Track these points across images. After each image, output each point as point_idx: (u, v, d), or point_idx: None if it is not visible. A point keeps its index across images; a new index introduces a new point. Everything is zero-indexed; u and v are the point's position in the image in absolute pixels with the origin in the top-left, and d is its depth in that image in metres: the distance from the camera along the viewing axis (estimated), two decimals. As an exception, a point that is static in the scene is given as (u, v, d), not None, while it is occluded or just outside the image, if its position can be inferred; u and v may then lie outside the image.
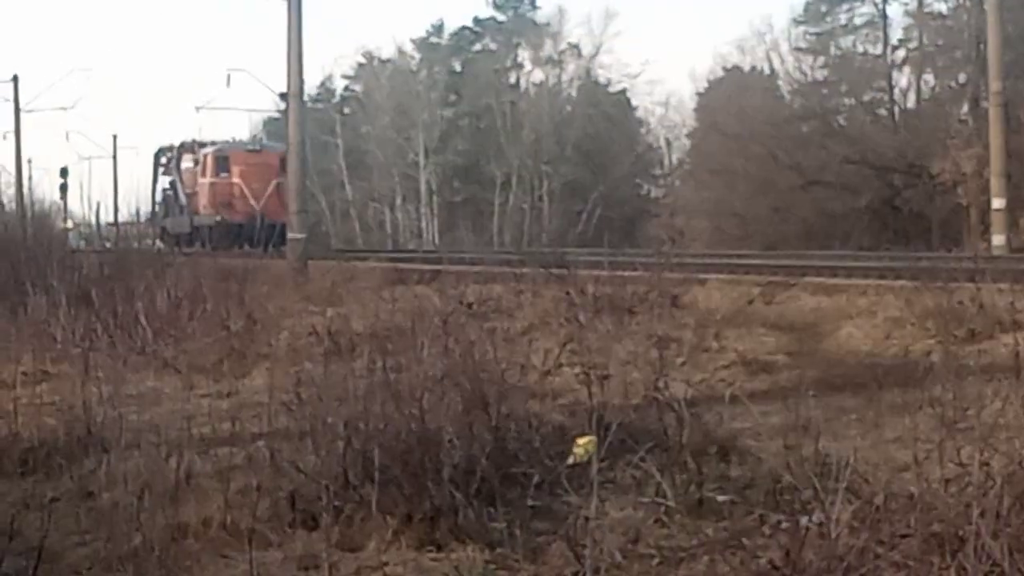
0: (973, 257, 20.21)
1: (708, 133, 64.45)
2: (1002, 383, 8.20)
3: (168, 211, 53.96)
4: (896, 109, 59.52)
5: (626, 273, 17.68)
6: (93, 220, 33.19)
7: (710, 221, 59.32)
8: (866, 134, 55.27)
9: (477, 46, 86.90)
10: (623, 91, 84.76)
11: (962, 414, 7.34)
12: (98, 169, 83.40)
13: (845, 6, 64.53)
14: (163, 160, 56.37)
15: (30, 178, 58.97)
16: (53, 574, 6.77)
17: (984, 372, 9.47)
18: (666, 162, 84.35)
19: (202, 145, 51.83)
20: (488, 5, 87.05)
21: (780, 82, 65.96)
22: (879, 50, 62.33)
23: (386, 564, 6.80)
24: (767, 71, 66.55)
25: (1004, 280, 14.92)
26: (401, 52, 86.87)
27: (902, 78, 60.72)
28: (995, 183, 35.40)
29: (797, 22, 66.60)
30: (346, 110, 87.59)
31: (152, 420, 10.00)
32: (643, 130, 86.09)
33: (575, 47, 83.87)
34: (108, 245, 26.02)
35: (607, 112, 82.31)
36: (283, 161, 49.09)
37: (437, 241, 74.80)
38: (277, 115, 65.64)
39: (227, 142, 52.24)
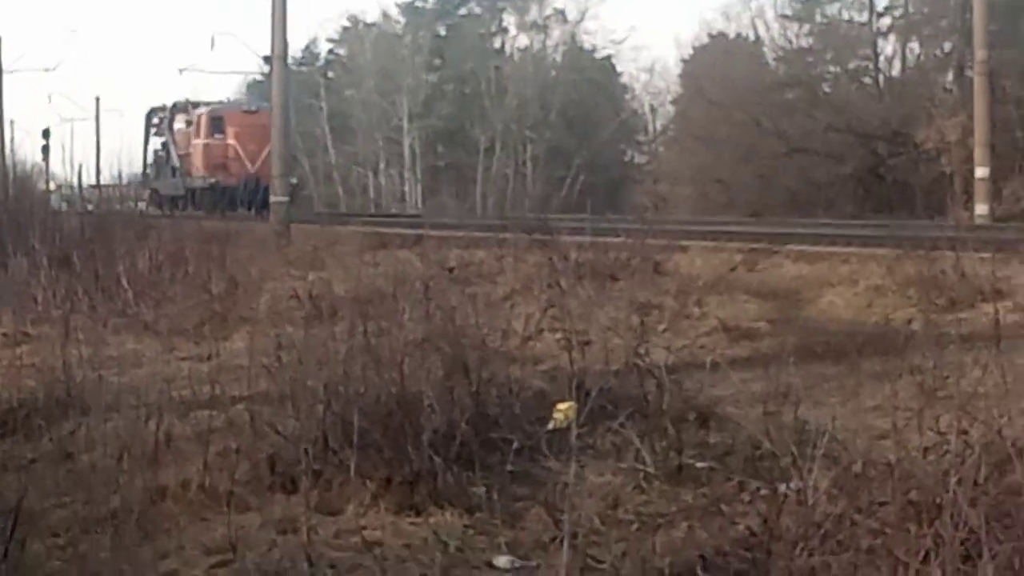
0: (955, 226, 20.25)
1: (693, 100, 64.36)
2: (982, 352, 8.21)
3: (160, 173, 53.39)
4: (881, 77, 59.50)
5: (609, 239, 17.69)
6: (75, 182, 33.04)
7: (694, 188, 59.34)
8: (851, 102, 55.26)
9: (462, 10, 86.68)
10: (608, 57, 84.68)
11: (942, 382, 7.33)
12: (81, 131, 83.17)
13: (830, -27, 64.46)
14: (155, 120, 55.71)
15: (12, 139, 58.67)
16: (31, 535, 6.76)
17: (964, 341, 9.51)
18: (650, 128, 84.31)
19: (196, 105, 51.23)
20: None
21: (765, 49, 65.86)
22: (864, 18, 62.25)
23: (365, 528, 6.80)
24: (752, 38, 66.44)
25: (986, 249, 14.93)
26: (386, 16, 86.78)
27: (887, 46, 60.70)
28: (979, 152, 35.48)
29: (782, -11, 66.50)
30: (330, 74, 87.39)
31: (132, 382, 10.01)
32: (628, 96, 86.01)
33: (560, 12, 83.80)
34: (90, 207, 25.93)
35: (592, 78, 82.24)
36: None
37: (420, 206, 74.74)
38: (261, 78, 65.40)
39: (222, 102, 51.74)
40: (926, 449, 6.13)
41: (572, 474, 6.46)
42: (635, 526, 6.65)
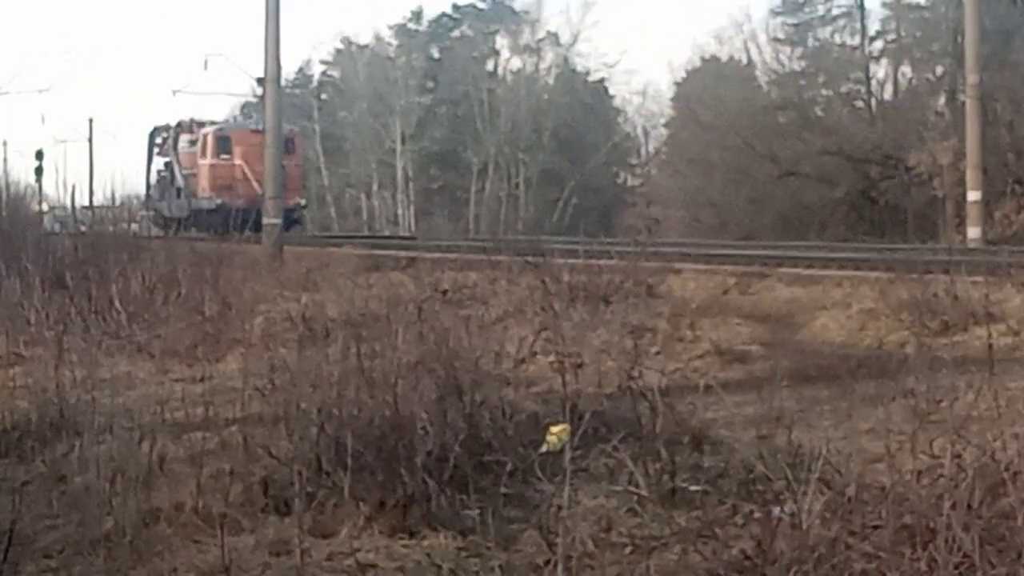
0: (948, 249, 20.30)
1: (685, 123, 64.46)
2: (975, 375, 8.21)
3: (164, 194, 52.31)
4: (873, 101, 59.65)
5: (601, 262, 17.68)
6: (68, 203, 33.02)
7: (686, 211, 59.37)
8: (843, 125, 55.34)
9: (455, 33, 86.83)
10: (601, 80, 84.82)
11: (935, 406, 7.36)
12: (74, 152, 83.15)
13: (823, -3, 64.69)
14: (158, 140, 54.83)
15: (5, 160, 58.73)
16: (24, 557, 6.75)
17: (957, 364, 9.50)
18: (643, 151, 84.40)
19: (201, 124, 50.50)
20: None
21: (758, 72, 66.05)
22: (857, 41, 62.52)
23: (358, 550, 6.80)
24: (745, 61, 66.65)
25: (978, 273, 14.98)
26: (379, 38, 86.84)
27: (879, 70, 60.93)
28: (971, 176, 35.49)
29: (775, 13, 66.76)
30: (323, 96, 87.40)
31: (125, 404, 9.98)
32: (620, 119, 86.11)
33: (553, 35, 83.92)
34: (83, 228, 25.92)
35: (584, 101, 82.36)
36: (287, 142, 47.98)
37: (413, 228, 74.71)
38: (254, 99, 65.39)
39: (228, 121, 51.05)
40: (920, 473, 6.14)
41: (566, 497, 6.46)
42: (629, 549, 6.64)
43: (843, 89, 60.26)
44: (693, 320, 14.67)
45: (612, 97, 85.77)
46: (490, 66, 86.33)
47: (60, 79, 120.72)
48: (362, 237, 47.82)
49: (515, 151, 79.56)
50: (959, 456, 6.09)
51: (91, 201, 39.11)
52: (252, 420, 8.53)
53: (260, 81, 37.56)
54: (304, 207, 52.27)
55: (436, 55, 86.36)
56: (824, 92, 61.08)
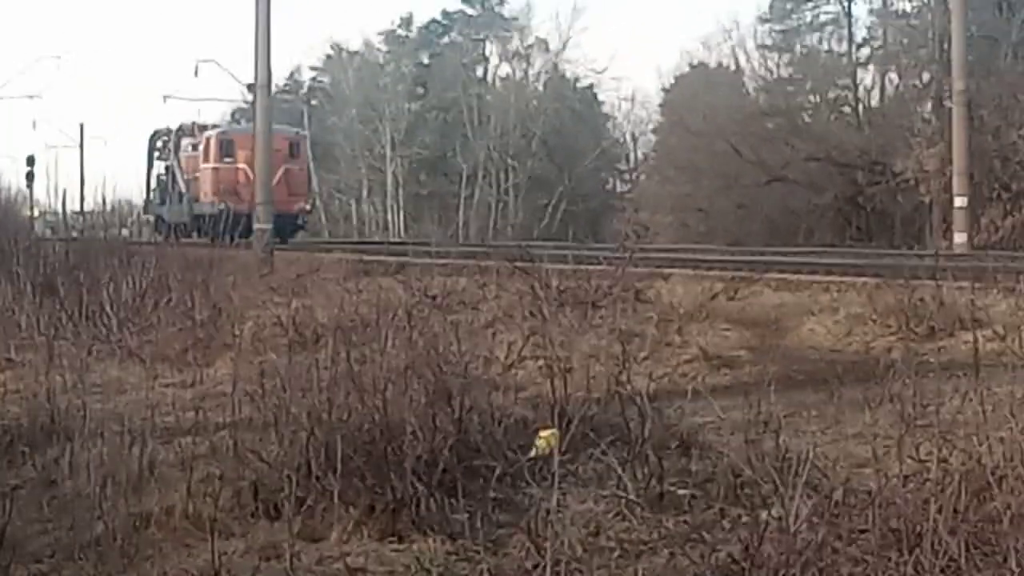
0: (935, 255, 20.36)
1: (673, 129, 64.57)
2: (961, 380, 8.25)
3: (164, 199, 51.47)
4: (860, 107, 59.81)
5: (590, 267, 17.71)
6: (60, 209, 32.98)
7: (674, 216, 59.47)
8: (830, 131, 55.49)
9: (445, 39, 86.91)
10: (590, 86, 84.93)
11: (921, 411, 7.39)
12: (65, 158, 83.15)
13: (810, 4, 65.01)
14: (158, 144, 54.10)
15: (-4, 166, 58.59)
16: (14, 562, 6.76)
17: (944, 369, 9.54)
18: (631, 157, 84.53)
19: (203, 128, 49.83)
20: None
21: (745, 79, 66.22)
22: (844, 48, 62.75)
23: (348, 554, 6.82)
24: (733, 68, 66.80)
25: (965, 278, 15.02)
26: (369, 45, 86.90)
27: (866, 76, 61.15)
28: (957, 181, 35.64)
29: (763, 20, 67.02)
30: (313, 102, 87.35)
31: (116, 409, 9.99)
32: (609, 125, 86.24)
33: (542, 41, 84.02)
34: (74, 234, 25.91)
35: (573, 107, 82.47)
36: (293, 145, 47.50)
37: (403, 234, 74.69)
38: (245, 105, 65.32)
39: (231, 124, 50.47)
40: (906, 477, 6.18)
41: (554, 501, 6.49)
42: (617, 553, 6.67)
43: (830, 95, 60.44)
44: (681, 325, 14.69)
45: (601, 103, 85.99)
46: (479, 72, 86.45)
47: (51, 85, 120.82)
48: (352, 243, 47.68)
49: (504, 157, 79.61)
50: (945, 460, 6.14)
51: (82, 206, 39.05)
52: (242, 425, 8.54)
53: (250, 87, 37.46)
54: (310, 212, 51.68)
55: (426, 61, 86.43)
56: (811, 98, 61.28)
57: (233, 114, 75.61)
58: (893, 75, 59.07)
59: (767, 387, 8.55)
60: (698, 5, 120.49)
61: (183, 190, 49.68)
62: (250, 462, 7.80)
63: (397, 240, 60.26)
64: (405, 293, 14.82)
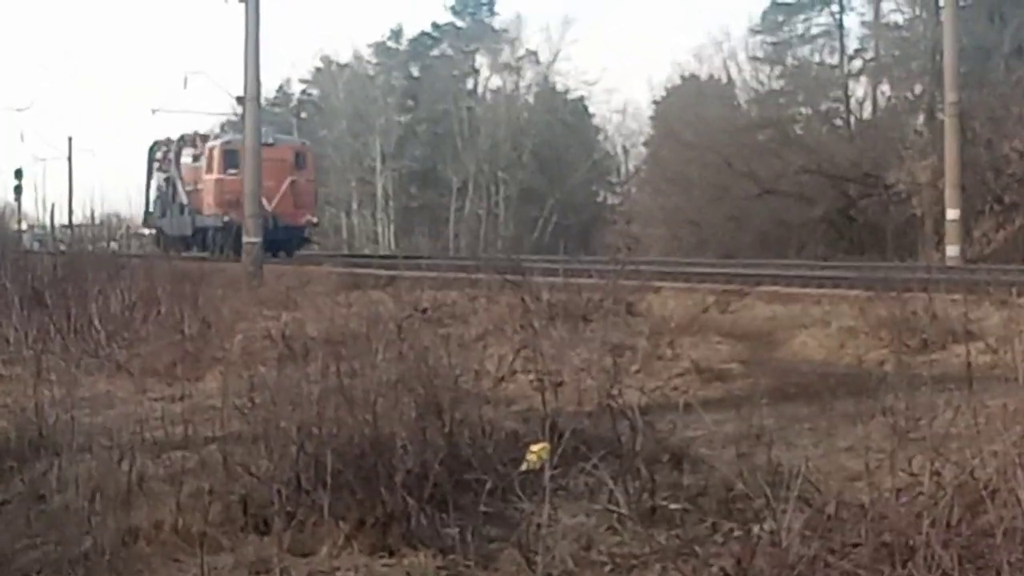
0: (927, 267, 20.36)
1: (665, 141, 64.65)
2: (954, 393, 8.21)
3: (165, 211, 50.96)
4: (852, 119, 59.93)
5: (581, 280, 17.70)
6: (48, 222, 32.87)
7: (666, 229, 59.50)
8: (822, 144, 55.53)
9: (435, 52, 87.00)
10: (580, 98, 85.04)
11: (914, 424, 7.36)
12: (54, 171, 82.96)
13: (802, 16, 65.09)
14: (158, 155, 53.44)
15: (-17, 179, 58.57)
16: (2, 577, 6.73)
17: (936, 382, 9.51)
18: (623, 170, 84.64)
19: (205, 138, 49.31)
20: (447, 10, 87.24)
21: (737, 91, 66.33)
22: (835, 60, 62.87)
23: (338, 569, 6.79)
24: (724, 80, 66.90)
25: (957, 291, 15.01)
26: (359, 57, 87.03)
27: (858, 88, 61.24)
28: (949, 194, 35.66)
29: (754, 31, 67.12)
30: (303, 114, 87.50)
31: (104, 423, 9.95)
32: (600, 137, 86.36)
33: (533, 54, 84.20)
34: (63, 247, 25.84)
35: (564, 119, 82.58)
36: (298, 156, 47.00)
37: (393, 246, 74.69)
38: (235, 118, 65.24)
39: (235, 135, 50.18)
40: (899, 490, 6.15)
41: (545, 515, 6.46)
42: (608, 567, 6.64)
43: (822, 108, 60.53)
44: (673, 338, 14.67)
45: (592, 115, 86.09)
46: (470, 84, 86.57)
47: (39, 97, 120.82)
48: (342, 256, 47.41)
49: (495, 169, 79.72)
50: (938, 474, 6.10)
51: (71, 219, 38.98)
52: (231, 439, 8.50)
53: (240, 100, 37.39)
54: (317, 225, 50.82)
55: (416, 74, 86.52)
56: (803, 110, 61.35)
57: (223, 127, 75.54)
58: (885, 87, 59.30)
59: (759, 400, 8.54)
60: (690, 17, 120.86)
61: (184, 202, 48.93)
62: (239, 476, 7.76)
63: (387, 253, 60.26)
64: (395, 306, 14.78)
